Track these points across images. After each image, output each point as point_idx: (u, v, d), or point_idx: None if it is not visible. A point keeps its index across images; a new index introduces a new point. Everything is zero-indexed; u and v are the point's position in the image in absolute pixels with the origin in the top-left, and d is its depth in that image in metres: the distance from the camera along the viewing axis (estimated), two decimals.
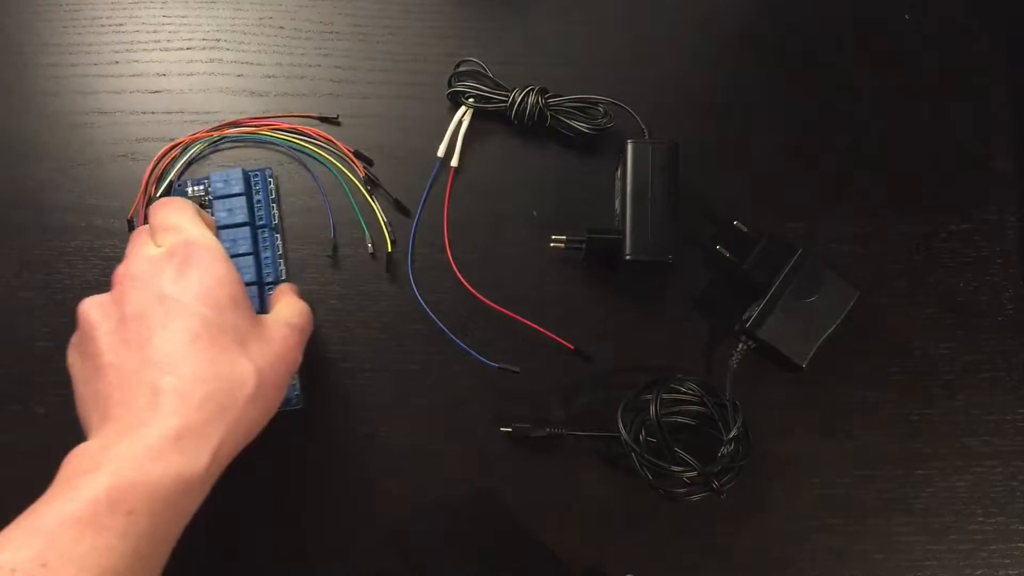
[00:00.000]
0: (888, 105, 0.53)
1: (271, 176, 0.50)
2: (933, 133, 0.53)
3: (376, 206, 0.50)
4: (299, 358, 0.41)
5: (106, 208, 0.50)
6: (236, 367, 0.36)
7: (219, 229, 0.47)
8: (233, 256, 0.44)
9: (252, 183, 0.49)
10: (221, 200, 0.48)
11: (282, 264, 0.50)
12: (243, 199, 0.48)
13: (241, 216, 0.48)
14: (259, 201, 0.49)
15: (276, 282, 0.49)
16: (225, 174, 0.48)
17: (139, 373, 0.34)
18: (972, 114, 0.54)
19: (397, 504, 0.48)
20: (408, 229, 0.50)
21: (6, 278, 0.49)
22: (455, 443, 0.48)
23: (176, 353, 0.35)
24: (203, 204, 0.49)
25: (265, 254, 0.49)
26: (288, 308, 0.43)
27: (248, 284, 0.46)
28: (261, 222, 0.49)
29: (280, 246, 0.50)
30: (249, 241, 0.47)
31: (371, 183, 0.51)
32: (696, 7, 0.55)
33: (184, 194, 0.49)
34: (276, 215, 0.50)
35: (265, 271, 0.49)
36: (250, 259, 0.47)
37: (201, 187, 0.49)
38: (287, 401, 0.46)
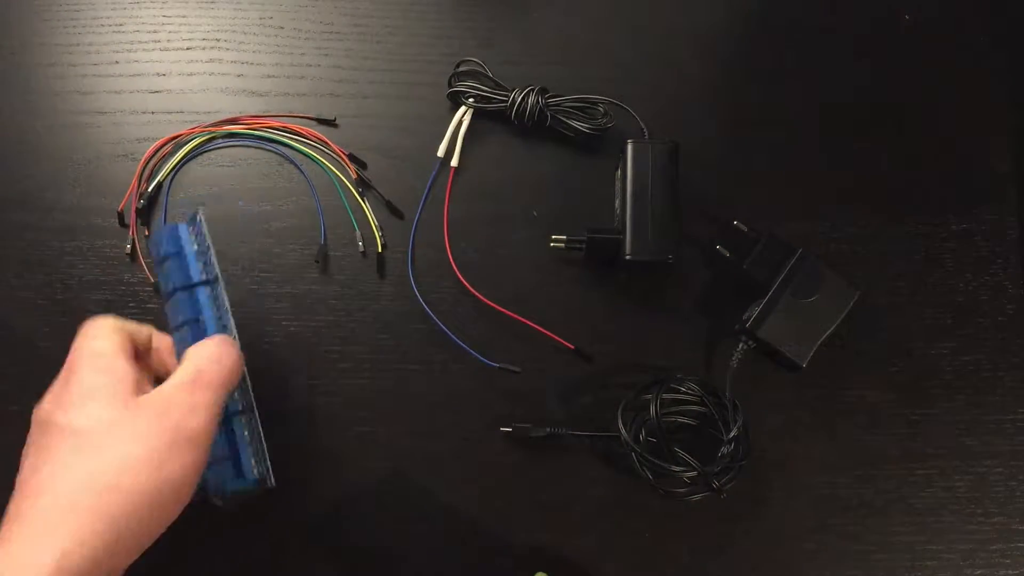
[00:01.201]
0: (888, 105, 0.53)
1: (200, 219, 0.42)
2: (933, 133, 0.53)
3: (368, 208, 0.50)
4: (210, 401, 0.36)
5: (106, 208, 0.50)
6: (81, 467, 0.34)
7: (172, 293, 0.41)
8: (179, 326, 0.40)
9: (183, 239, 0.42)
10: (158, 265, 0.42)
11: (229, 317, 0.42)
12: (169, 262, 0.42)
13: (177, 279, 0.41)
14: (192, 254, 0.42)
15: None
16: (156, 233, 0.44)
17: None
18: (972, 114, 0.54)
19: (397, 504, 0.48)
20: (404, 230, 0.50)
21: (6, 278, 0.49)
22: (455, 443, 0.48)
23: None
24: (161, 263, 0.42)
25: (206, 313, 0.41)
26: (190, 359, 0.38)
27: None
28: (199, 279, 0.42)
29: (224, 302, 0.42)
30: (187, 307, 0.41)
31: (363, 185, 0.51)
32: (696, 7, 0.55)
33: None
34: (213, 264, 0.42)
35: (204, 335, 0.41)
36: (186, 328, 0.41)
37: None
38: (251, 483, 0.41)
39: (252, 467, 0.41)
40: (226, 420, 0.41)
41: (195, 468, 0.35)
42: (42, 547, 0.31)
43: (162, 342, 0.42)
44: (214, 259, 0.42)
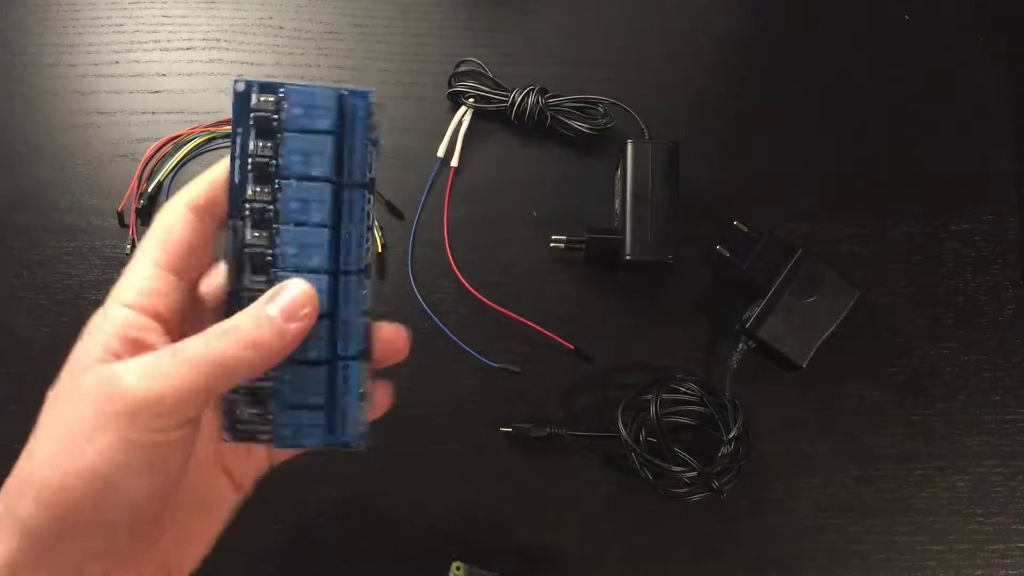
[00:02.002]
0: (888, 105, 0.53)
1: (375, 105, 0.32)
2: (933, 133, 0.53)
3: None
4: (157, 410, 0.26)
5: (106, 208, 0.50)
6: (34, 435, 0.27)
7: (291, 178, 0.30)
8: (300, 225, 0.29)
9: (350, 115, 0.32)
10: (296, 136, 0.30)
11: (369, 243, 0.32)
12: (331, 139, 0.31)
13: (320, 168, 0.30)
14: (354, 146, 0.32)
15: (358, 272, 0.31)
16: (310, 93, 0.30)
17: None
18: (972, 114, 0.54)
19: (397, 504, 0.48)
20: (404, 230, 0.50)
21: (6, 278, 0.49)
22: (455, 443, 0.48)
23: None
24: (271, 127, 0.30)
25: (346, 230, 0.31)
26: (200, 340, 0.27)
27: (322, 272, 0.30)
28: (351, 178, 0.31)
29: (371, 215, 0.32)
30: (328, 206, 0.30)
31: None
32: (696, 7, 0.55)
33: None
34: (372, 167, 0.32)
35: (344, 256, 0.31)
36: (324, 233, 0.30)
37: (272, 99, 0.30)
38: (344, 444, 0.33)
39: (353, 422, 0.32)
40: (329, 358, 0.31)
41: (134, 454, 0.26)
42: (5, 520, 0.26)
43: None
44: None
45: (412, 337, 0.34)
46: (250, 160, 0.30)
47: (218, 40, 0.53)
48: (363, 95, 0.32)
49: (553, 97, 0.51)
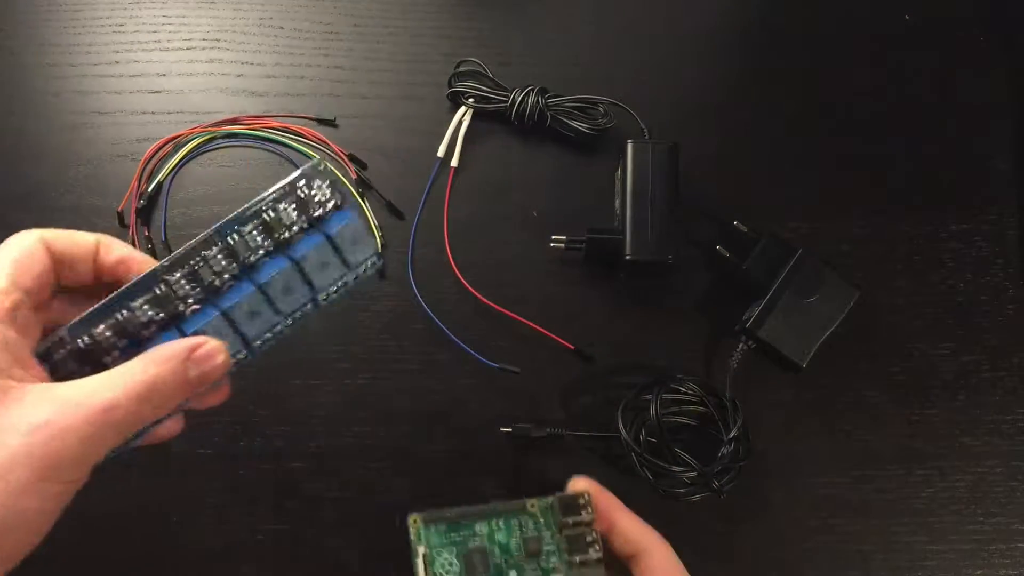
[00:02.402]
0: (888, 105, 0.53)
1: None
2: (933, 133, 0.53)
3: (368, 209, 0.50)
4: (90, 444, 0.25)
5: (106, 208, 0.50)
6: None
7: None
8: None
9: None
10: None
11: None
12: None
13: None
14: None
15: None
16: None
17: None
18: (972, 114, 0.54)
19: (397, 504, 0.48)
20: (404, 231, 0.50)
21: None
22: (455, 443, 0.48)
23: None
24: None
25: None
26: (117, 373, 0.27)
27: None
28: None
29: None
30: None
31: (363, 185, 0.51)
32: (696, 7, 0.55)
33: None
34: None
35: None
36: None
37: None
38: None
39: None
40: None
41: (59, 502, 0.26)
42: None
43: (131, 259, 0.32)
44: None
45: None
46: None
47: (218, 40, 0.53)
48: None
49: (553, 97, 0.51)
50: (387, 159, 0.52)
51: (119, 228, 0.50)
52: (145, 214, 0.50)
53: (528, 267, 0.50)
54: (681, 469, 0.45)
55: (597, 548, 0.36)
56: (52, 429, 0.25)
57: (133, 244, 0.50)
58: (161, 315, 0.30)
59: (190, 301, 0.31)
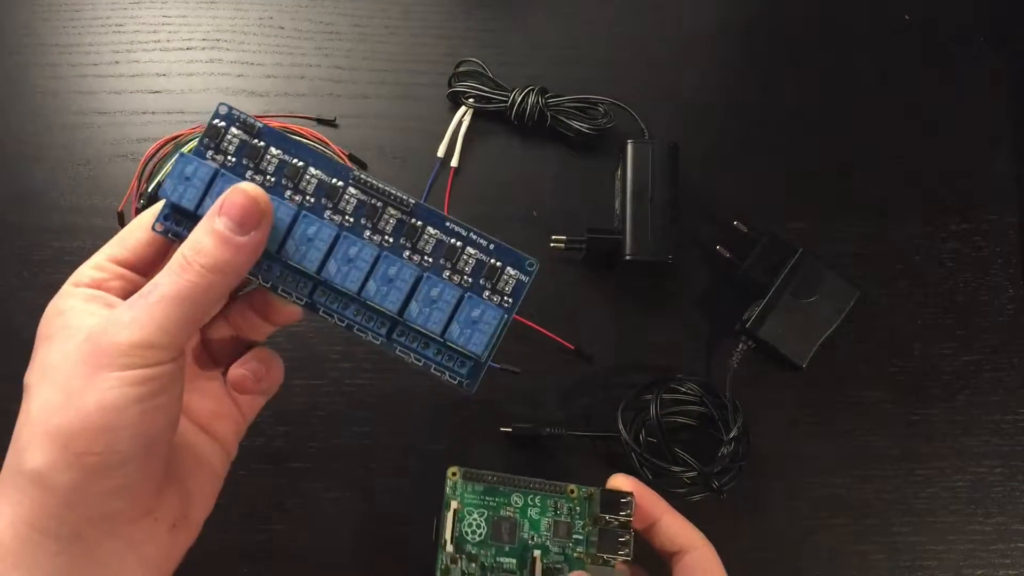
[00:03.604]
0: (888, 105, 0.53)
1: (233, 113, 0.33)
2: (933, 133, 0.53)
3: None
4: (144, 337, 0.27)
5: (106, 208, 0.50)
6: (23, 411, 0.29)
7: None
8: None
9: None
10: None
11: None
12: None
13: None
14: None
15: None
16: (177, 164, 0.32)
17: None
18: (972, 114, 0.54)
19: (397, 504, 0.48)
20: None
21: (6, 278, 0.49)
22: (455, 443, 0.48)
23: None
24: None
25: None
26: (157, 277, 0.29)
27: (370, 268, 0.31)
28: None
29: (371, 178, 0.33)
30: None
31: None
32: (696, 7, 0.55)
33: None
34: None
35: (382, 232, 0.33)
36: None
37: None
38: (519, 285, 0.33)
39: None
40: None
41: (139, 389, 0.27)
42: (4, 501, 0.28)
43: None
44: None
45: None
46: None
47: (218, 40, 0.53)
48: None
49: (553, 97, 0.51)
50: (387, 159, 0.52)
51: (119, 228, 0.50)
52: None
53: None
54: (681, 469, 0.45)
55: (627, 552, 0.37)
56: (96, 333, 0.28)
57: None
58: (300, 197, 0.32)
59: (334, 212, 0.32)
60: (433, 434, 0.48)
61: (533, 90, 0.50)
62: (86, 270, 0.32)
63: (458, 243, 0.33)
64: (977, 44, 0.55)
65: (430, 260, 0.32)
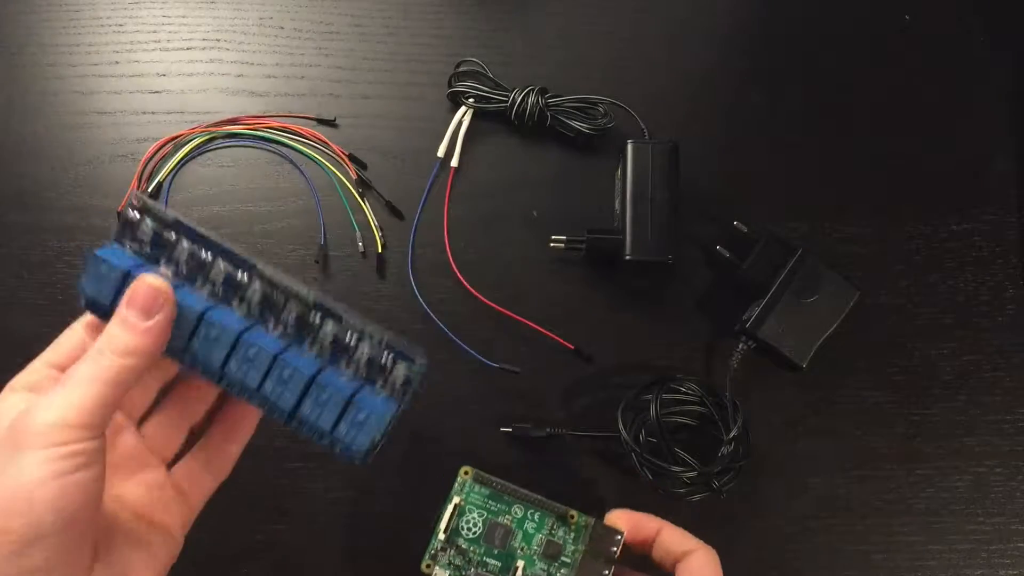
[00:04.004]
0: (888, 105, 0.53)
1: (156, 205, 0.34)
2: (933, 133, 0.53)
3: (367, 209, 0.50)
4: (68, 414, 0.29)
5: (106, 208, 0.50)
6: None
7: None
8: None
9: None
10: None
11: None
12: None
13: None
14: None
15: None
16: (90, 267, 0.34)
17: None
18: (972, 114, 0.54)
19: (397, 504, 0.48)
20: (404, 230, 0.50)
21: (6, 278, 0.49)
22: (455, 443, 0.48)
23: None
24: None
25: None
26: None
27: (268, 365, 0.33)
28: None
29: (270, 268, 0.35)
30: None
31: (363, 186, 0.51)
32: (696, 7, 0.55)
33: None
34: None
35: (285, 324, 0.34)
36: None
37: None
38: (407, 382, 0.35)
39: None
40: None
41: (54, 460, 0.28)
42: None
43: None
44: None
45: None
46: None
47: (218, 40, 0.53)
48: None
49: (553, 97, 0.51)
50: (387, 159, 0.52)
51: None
52: None
53: (528, 267, 0.50)
54: (681, 469, 0.45)
55: None
56: (19, 413, 0.29)
57: None
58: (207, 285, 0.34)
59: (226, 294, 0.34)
60: (433, 434, 0.48)
61: (533, 90, 0.50)
62: (21, 377, 0.34)
63: (353, 339, 0.34)
64: (977, 44, 0.55)
65: (326, 355, 0.34)
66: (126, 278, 0.33)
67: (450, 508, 0.40)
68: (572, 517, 0.39)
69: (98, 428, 0.30)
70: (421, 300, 0.49)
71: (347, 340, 0.34)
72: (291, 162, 0.51)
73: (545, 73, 0.52)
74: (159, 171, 0.51)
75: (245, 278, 0.34)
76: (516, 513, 0.40)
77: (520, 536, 0.39)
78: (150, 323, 0.31)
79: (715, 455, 0.45)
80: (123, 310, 0.32)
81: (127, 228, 0.34)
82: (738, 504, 0.47)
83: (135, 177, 0.50)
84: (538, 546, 0.39)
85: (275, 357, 0.33)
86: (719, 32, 0.55)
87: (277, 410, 0.33)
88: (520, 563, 0.39)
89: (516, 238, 0.51)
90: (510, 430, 0.48)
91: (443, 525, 0.39)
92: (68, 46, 0.53)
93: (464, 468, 0.40)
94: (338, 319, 0.34)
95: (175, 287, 0.33)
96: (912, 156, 0.53)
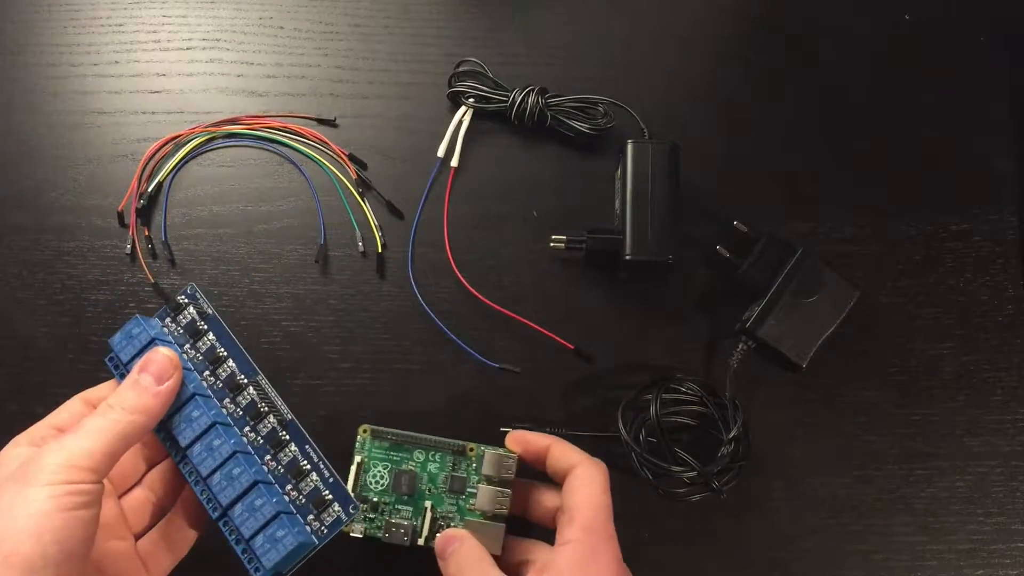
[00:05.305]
0: (888, 105, 0.53)
1: (196, 295, 0.41)
2: (933, 133, 0.53)
3: (367, 208, 0.50)
4: (72, 458, 0.33)
5: (106, 208, 0.50)
6: None
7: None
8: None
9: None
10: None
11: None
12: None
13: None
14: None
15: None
16: (122, 333, 0.40)
17: None
18: (972, 114, 0.54)
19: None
20: (404, 230, 0.50)
21: (6, 278, 0.49)
22: None
23: None
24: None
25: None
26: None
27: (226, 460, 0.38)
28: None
29: (268, 388, 0.41)
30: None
31: (363, 185, 0.51)
32: (696, 7, 0.55)
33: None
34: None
35: (257, 434, 0.40)
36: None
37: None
38: (336, 523, 0.39)
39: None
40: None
41: (61, 495, 0.32)
42: None
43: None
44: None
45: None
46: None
47: (218, 40, 0.53)
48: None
49: (553, 97, 0.51)
50: (387, 159, 0.52)
51: (119, 228, 0.50)
52: (145, 214, 0.50)
53: (528, 267, 0.50)
54: (681, 469, 0.45)
55: (503, 508, 0.41)
56: (31, 455, 0.34)
57: (133, 245, 0.50)
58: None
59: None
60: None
61: (533, 90, 0.50)
62: (25, 434, 0.37)
63: (307, 466, 0.39)
64: (977, 44, 0.55)
65: (279, 472, 0.39)
66: (150, 344, 0.39)
67: (353, 468, 0.42)
68: (471, 450, 0.42)
69: (101, 473, 0.33)
70: (421, 300, 0.49)
71: (302, 464, 0.39)
72: (291, 162, 0.51)
73: (545, 73, 0.52)
74: (159, 171, 0.51)
75: (244, 381, 0.40)
76: (418, 458, 0.42)
77: (426, 479, 0.42)
78: (160, 388, 0.37)
79: (715, 455, 0.45)
80: (136, 374, 0.37)
81: (172, 309, 0.41)
82: (738, 504, 0.47)
83: (135, 177, 0.50)
84: (444, 483, 0.42)
85: (233, 454, 0.37)
86: (719, 32, 0.55)
87: (214, 501, 0.37)
88: (428, 503, 0.41)
89: (516, 238, 0.51)
90: (510, 430, 0.47)
91: (350, 485, 0.41)
92: (68, 46, 0.53)
93: (362, 427, 0.42)
94: (303, 444, 0.40)
95: (184, 368, 0.38)
96: (912, 156, 0.53)
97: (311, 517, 0.39)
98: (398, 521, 0.41)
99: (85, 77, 0.52)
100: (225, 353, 0.40)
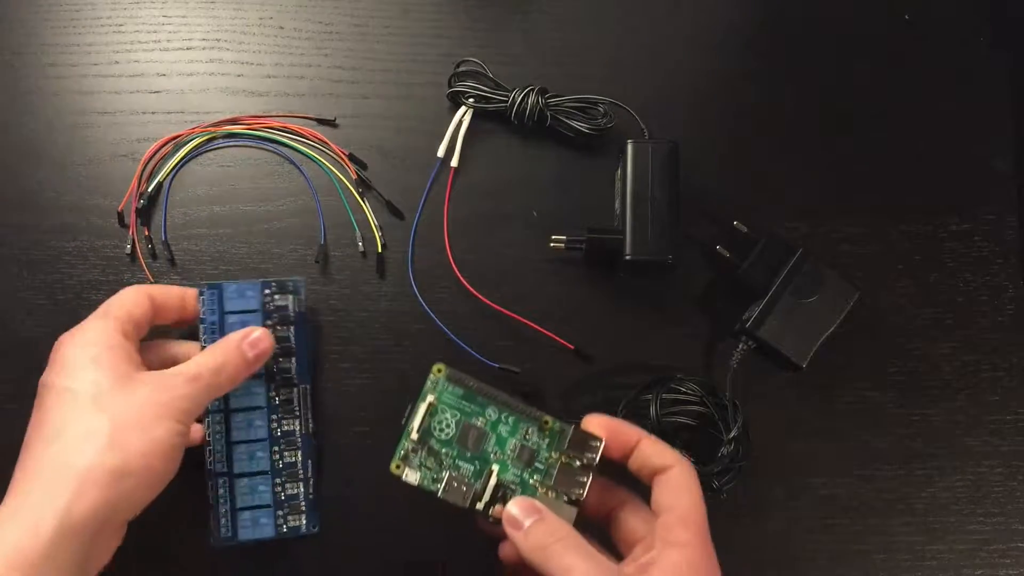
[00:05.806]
0: (888, 105, 0.53)
1: (300, 290, 0.46)
2: (933, 133, 0.53)
3: (367, 208, 0.50)
4: (191, 400, 0.39)
5: (106, 208, 0.50)
6: (79, 425, 0.37)
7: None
8: (242, 410, 0.45)
9: (269, 302, 0.46)
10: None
11: (308, 421, 0.46)
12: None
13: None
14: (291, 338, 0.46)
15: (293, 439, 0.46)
16: (238, 287, 0.45)
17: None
18: (972, 114, 0.54)
19: (397, 504, 0.48)
20: (404, 230, 0.50)
21: (6, 278, 0.49)
22: None
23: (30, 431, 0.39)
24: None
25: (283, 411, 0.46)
26: (196, 359, 0.41)
27: (258, 440, 0.45)
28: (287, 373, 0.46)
29: (308, 399, 0.47)
30: (263, 394, 0.46)
31: (363, 185, 0.51)
32: (696, 7, 0.55)
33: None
34: (308, 357, 0.47)
35: (280, 427, 0.46)
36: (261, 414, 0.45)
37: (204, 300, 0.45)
38: (295, 529, 0.45)
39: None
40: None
41: (181, 438, 0.39)
42: (45, 503, 0.34)
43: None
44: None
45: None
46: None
47: (218, 40, 0.53)
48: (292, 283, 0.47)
49: (553, 97, 0.51)
50: (387, 159, 0.52)
51: (119, 228, 0.50)
52: (145, 214, 0.50)
53: (528, 267, 0.50)
54: None
55: (581, 492, 0.38)
56: (162, 387, 0.39)
57: (133, 244, 0.50)
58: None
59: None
60: None
61: (533, 90, 0.50)
62: (120, 305, 0.42)
63: (301, 475, 0.45)
64: (977, 44, 0.55)
65: (279, 466, 0.45)
66: (254, 313, 0.44)
67: (423, 407, 0.38)
68: (547, 423, 0.38)
69: (193, 419, 0.40)
70: (421, 300, 0.49)
71: (299, 472, 0.45)
72: (291, 162, 0.51)
73: (545, 73, 0.52)
74: (159, 171, 0.51)
75: (295, 381, 0.46)
76: (490, 416, 0.39)
77: (494, 440, 0.38)
78: (255, 367, 0.43)
79: (715, 455, 0.45)
80: (249, 350, 0.42)
81: (278, 288, 0.46)
82: (738, 504, 0.47)
83: (135, 177, 0.50)
84: (512, 451, 0.38)
85: (264, 439, 0.45)
86: (719, 32, 0.55)
87: (225, 463, 0.44)
88: (494, 467, 0.38)
89: (516, 238, 0.51)
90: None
91: (415, 424, 0.38)
92: (68, 46, 0.53)
93: (437, 365, 0.39)
94: (307, 455, 0.45)
95: None
96: (912, 156, 0.53)
97: (280, 513, 0.44)
98: (459, 477, 0.38)
99: (85, 77, 0.52)
100: (294, 350, 0.46)
